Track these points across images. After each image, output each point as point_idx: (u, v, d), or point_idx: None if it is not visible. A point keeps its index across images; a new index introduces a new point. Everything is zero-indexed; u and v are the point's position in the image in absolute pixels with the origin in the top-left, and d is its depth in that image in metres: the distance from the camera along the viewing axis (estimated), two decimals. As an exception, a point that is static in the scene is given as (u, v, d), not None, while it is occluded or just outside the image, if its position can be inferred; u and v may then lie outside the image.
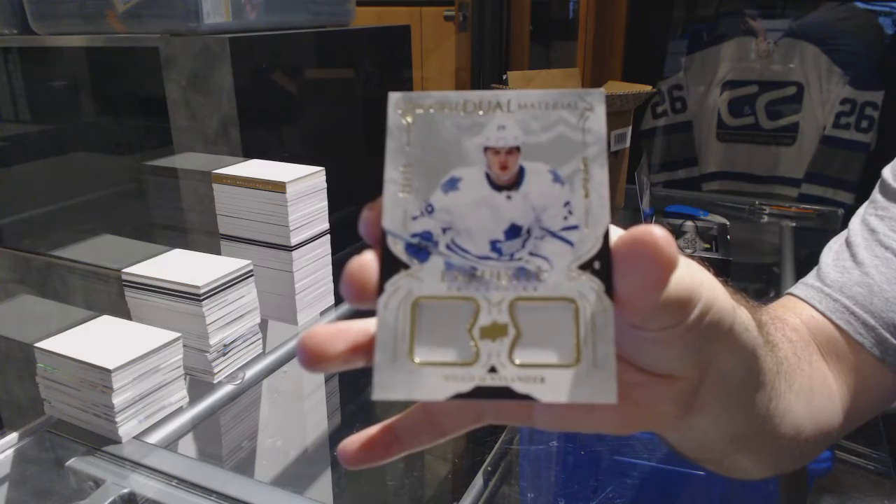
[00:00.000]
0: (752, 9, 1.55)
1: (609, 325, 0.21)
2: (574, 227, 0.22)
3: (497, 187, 0.23)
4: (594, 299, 0.22)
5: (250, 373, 0.69)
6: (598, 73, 1.59)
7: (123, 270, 0.67)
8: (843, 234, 0.50)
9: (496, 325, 0.22)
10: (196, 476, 0.54)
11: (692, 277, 0.24)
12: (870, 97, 1.44)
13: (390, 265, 0.22)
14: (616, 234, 0.22)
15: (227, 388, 0.67)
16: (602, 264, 0.22)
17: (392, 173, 0.23)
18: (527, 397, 0.21)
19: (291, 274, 0.75)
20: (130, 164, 1.10)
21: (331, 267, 0.82)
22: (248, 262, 0.69)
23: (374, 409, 0.89)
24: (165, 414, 0.61)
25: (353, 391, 0.87)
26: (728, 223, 1.04)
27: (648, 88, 1.17)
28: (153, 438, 0.59)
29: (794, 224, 1.21)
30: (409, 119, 0.23)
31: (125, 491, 0.53)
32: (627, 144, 1.21)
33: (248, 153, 0.92)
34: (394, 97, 0.23)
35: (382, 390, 0.22)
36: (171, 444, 0.60)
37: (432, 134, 0.23)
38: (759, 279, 1.13)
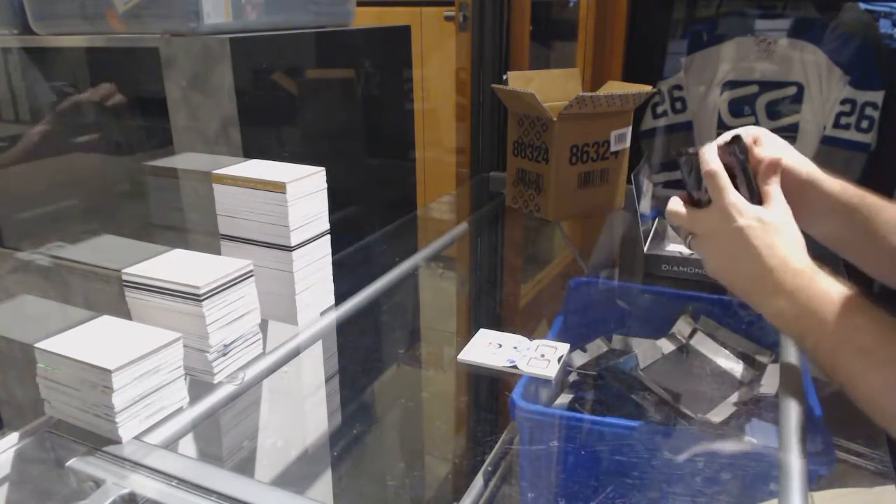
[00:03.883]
0: (753, 9, 1.55)
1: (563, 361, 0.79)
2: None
3: None
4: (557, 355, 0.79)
5: (250, 373, 0.69)
6: (598, 73, 1.59)
7: (123, 270, 0.67)
8: None
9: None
10: (196, 476, 0.54)
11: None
12: (870, 97, 1.44)
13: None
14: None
15: (228, 389, 0.67)
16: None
17: None
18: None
19: (291, 274, 0.76)
20: (130, 165, 1.10)
21: (331, 267, 0.82)
22: (248, 262, 0.69)
23: (373, 410, 0.89)
24: (165, 414, 0.61)
25: (352, 391, 0.86)
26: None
27: (648, 88, 1.17)
28: (153, 438, 0.59)
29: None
30: None
31: (125, 491, 0.53)
32: (627, 144, 1.21)
33: (248, 153, 0.92)
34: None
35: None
36: (171, 445, 0.60)
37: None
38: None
